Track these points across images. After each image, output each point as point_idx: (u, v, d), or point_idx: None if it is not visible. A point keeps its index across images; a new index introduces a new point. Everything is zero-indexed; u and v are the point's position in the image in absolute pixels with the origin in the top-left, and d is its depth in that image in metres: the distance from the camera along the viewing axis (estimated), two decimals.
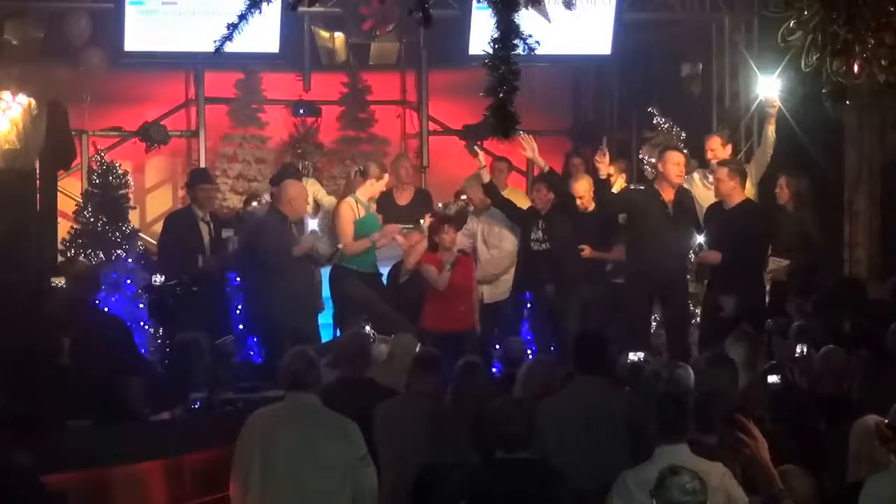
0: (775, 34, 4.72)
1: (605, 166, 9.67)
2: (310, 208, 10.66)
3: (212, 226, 10.11)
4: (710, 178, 10.06)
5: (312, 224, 9.83)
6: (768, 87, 10.13)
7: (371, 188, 10.21)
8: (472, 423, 6.18)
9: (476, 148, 10.61)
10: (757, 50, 11.67)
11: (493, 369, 9.19)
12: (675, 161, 9.62)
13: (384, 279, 10.37)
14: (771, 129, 10.11)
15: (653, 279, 9.56)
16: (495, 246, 10.51)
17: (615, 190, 10.15)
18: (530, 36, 4.01)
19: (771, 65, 10.22)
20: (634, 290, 9.70)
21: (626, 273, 9.92)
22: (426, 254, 9.97)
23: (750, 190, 9.88)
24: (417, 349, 7.51)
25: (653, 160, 11.13)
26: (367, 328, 9.61)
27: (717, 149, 10.22)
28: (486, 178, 10.34)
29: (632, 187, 10.55)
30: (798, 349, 7.26)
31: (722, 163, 9.88)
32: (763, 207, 9.78)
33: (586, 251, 9.89)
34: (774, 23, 4.68)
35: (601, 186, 9.77)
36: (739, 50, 12.07)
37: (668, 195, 9.60)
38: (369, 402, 6.56)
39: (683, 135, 11.80)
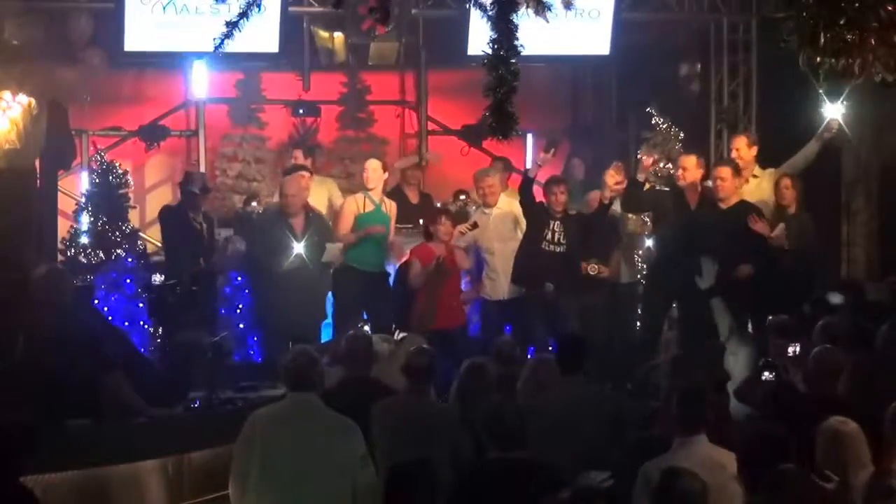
0: (775, 35, 4.73)
1: (615, 178, 9.79)
2: (324, 209, 10.62)
3: (204, 226, 10.06)
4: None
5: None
6: (834, 110, 10.08)
7: (373, 181, 10.18)
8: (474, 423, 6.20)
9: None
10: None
11: None
12: (682, 164, 9.83)
13: (390, 279, 10.39)
14: (815, 147, 10.10)
15: (674, 278, 9.64)
16: (511, 238, 10.42)
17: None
18: (517, 39, 4.03)
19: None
20: (655, 288, 9.81)
21: (648, 271, 10.01)
22: (419, 246, 10.01)
23: (769, 191, 9.94)
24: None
25: (648, 161, 11.15)
26: (367, 328, 9.64)
27: (742, 148, 10.15)
28: (534, 173, 10.00)
29: (657, 188, 10.61)
30: (791, 349, 7.28)
31: (723, 162, 9.92)
32: (758, 209, 9.80)
33: (600, 270, 9.94)
34: (773, 23, 4.68)
35: (635, 186, 9.80)
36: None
37: (692, 195, 9.70)
38: (373, 401, 6.57)
39: (682, 135, 11.82)
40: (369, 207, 10.12)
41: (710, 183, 9.84)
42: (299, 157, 10.92)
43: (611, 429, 6.43)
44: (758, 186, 10.08)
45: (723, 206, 9.57)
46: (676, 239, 9.61)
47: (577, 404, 6.54)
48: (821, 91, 9.72)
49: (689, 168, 9.76)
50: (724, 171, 9.60)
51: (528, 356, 9.31)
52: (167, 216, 10.23)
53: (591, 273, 9.94)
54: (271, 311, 9.80)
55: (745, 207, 9.61)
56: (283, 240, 9.66)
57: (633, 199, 9.82)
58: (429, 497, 4.93)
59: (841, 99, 9.88)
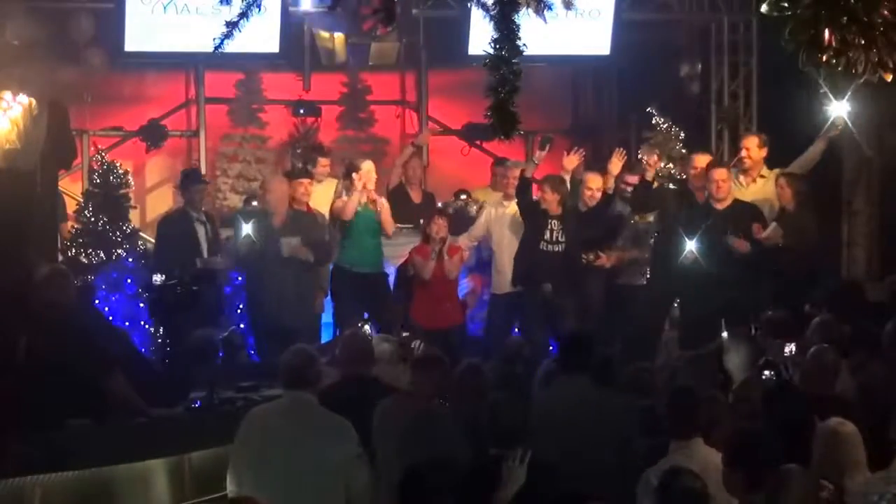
0: (776, 35, 4.72)
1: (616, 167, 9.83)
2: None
3: (208, 226, 10.08)
4: (742, 178, 10.14)
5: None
6: (839, 108, 10.10)
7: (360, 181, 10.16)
8: (470, 422, 6.20)
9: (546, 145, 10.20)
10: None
11: None
12: (693, 165, 10.01)
13: (391, 280, 10.38)
14: (821, 146, 10.12)
15: (676, 276, 9.67)
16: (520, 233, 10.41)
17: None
18: (519, 38, 4.03)
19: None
20: (658, 289, 9.83)
21: (653, 271, 10.04)
22: (418, 245, 10.09)
23: (774, 191, 9.97)
24: (419, 349, 7.55)
25: (652, 160, 11.16)
26: (367, 327, 9.63)
27: (753, 149, 10.15)
28: (530, 171, 10.04)
29: (664, 186, 10.63)
30: (787, 348, 7.27)
31: (716, 164, 10.00)
32: (756, 208, 9.83)
33: (606, 259, 9.95)
34: (773, 23, 4.67)
35: (644, 187, 9.92)
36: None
37: (700, 194, 9.75)
38: (373, 400, 6.56)
39: (682, 135, 11.82)
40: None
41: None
42: (326, 164, 10.90)
43: (612, 433, 6.25)
44: (763, 187, 10.10)
45: (719, 206, 9.61)
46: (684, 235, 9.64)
47: (578, 405, 6.40)
48: (822, 90, 9.74)
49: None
50: (722, 174, 9.65)
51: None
52: (167, 226, 10.24)
53: (590, 260, 9.92)
54: (259, 310, 9.97)
55: (741, 208, 9.65)
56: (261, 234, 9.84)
57: (642, 201, 9.92)
58: (445, 498, 4.92)
59: (846, 97, 9.91)
